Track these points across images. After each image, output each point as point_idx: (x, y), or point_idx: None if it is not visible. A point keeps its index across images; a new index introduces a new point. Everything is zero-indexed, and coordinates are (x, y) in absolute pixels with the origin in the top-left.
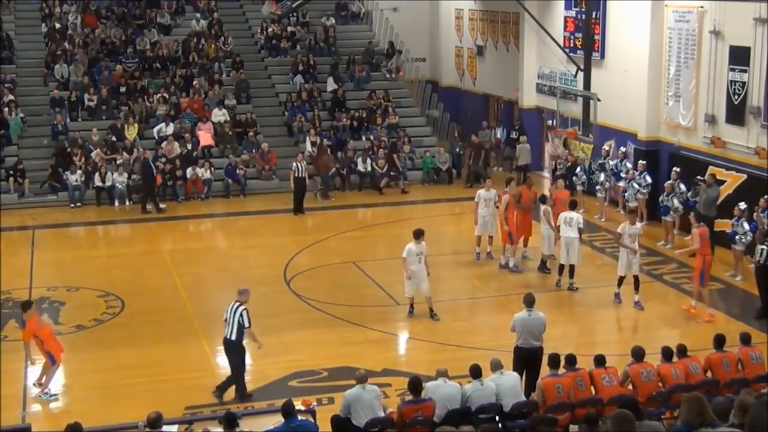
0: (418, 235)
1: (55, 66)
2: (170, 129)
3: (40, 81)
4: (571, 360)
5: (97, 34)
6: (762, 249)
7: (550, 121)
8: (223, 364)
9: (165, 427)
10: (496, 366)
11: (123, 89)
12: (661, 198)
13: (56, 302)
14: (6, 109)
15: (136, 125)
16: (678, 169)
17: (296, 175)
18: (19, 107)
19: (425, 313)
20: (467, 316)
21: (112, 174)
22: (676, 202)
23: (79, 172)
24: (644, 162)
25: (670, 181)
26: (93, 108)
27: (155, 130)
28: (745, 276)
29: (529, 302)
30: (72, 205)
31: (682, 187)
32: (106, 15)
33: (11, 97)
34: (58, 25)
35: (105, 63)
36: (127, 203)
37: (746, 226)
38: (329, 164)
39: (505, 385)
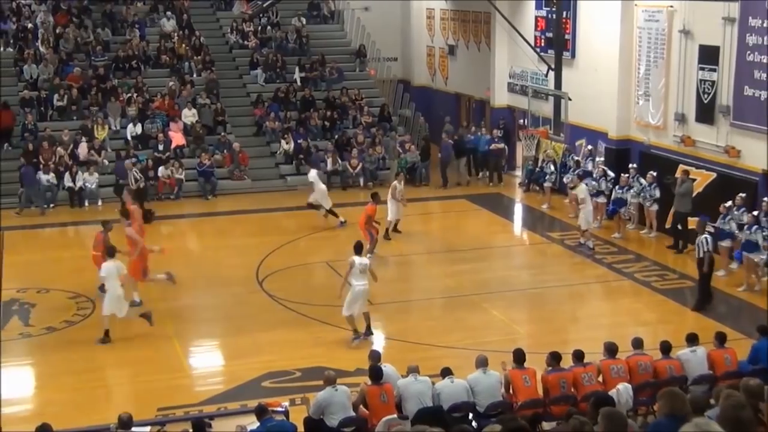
0: (359, 249)
1: (23, 66)
2: (139, 129)
3: (10, 81)
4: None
5: (68, 33)
6: (703, 240)
7: (521, 120)
8: (195, 365)
9: (137, 429)
10: (481, 363)
11: (93, 89)
12: (614, 192)
13: (27, 304)
14: None
15: (106, 126)
16: (635, 165)
17: None
18: None
19: (398, 311)
20: (440, 315)
21: (83, 174)
22: (629, 196)
23: (51, 174)
24: (654, 173)
25: (627, 176)
26: (63, 108)
27: (127, 130)
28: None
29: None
30: (44, 206)
31: (642, 181)
32: (78, 14)
33: None
34: (29, 25)
35: (76, 62)
36: (99, 203)
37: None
38: None
39: (484, 383)
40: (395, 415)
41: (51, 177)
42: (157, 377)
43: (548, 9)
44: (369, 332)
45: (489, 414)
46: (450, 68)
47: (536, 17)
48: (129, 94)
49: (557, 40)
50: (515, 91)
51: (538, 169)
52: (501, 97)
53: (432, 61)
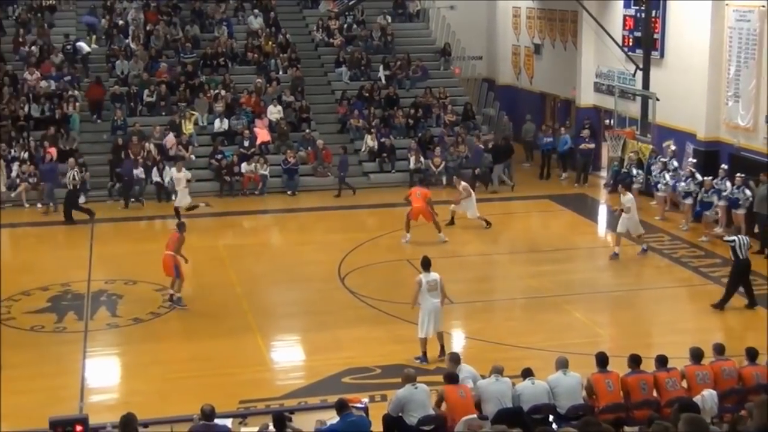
0: (427, 264)
1: (115, 62)
2: (225, 125)
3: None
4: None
5: (158, 30)
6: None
7: (607, 121)
8: (277, 359)
9: (219, 421)
10: (562, 365)
11: (182, 85)
12: (701, 194)
13: (114, 295)
14: (66, 104)
15: (193, 121)
16: (726, 167)
17: None
18: (78, 103)
19: (479, 311)
20: (521, 316)
21: (170, 169)
22: (716, 198)
23: (140, 168)
24: (743, 175)
25: (712, 178)
26: (152, 103)
27: (213, 125)
28: None
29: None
30: (132, 199)
31: (727, 184)
32: (168, 11)
33: (73, 92)
34: (121, 22)
35: (165, 59)
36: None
37: None
38: None
39: (565, 385)
40: (475, 415)
41: (140, 171)
42: (240, 370)
43: (637, 8)
44: (442, 353)
45: (569, 417)
46: (535, 67)
47: (624, 16)
48: (216, 91)
49: (646, 39)
50: (602, 90)
51: (624, 170)
52: (587, 97)
53: (517, 60)
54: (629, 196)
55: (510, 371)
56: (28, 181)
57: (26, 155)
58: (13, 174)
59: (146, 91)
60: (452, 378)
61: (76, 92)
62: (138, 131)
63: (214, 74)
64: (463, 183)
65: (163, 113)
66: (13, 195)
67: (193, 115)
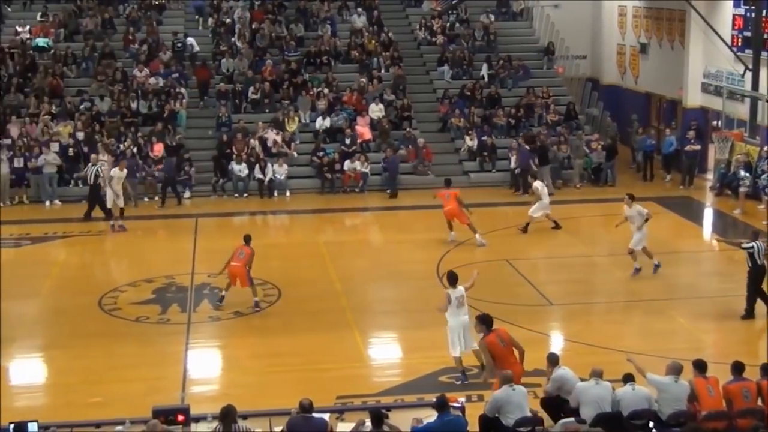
0: (453, 279)
1: (221, 60)
2: (327, 123)
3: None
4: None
5: (263, 29)
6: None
7: (715, 122)
8: (374, 356)
9: (316, 415)
10: (675, 371)
11: (285, 83)
12: None
13: (216, 289)
14: (174, 101)
15: (296, 118)
16: None
17: None
18: (185, 100)
19: (579, 313)
20: (622, 319)
21: (273, 166)
22: None
23: (243, 164)
24: None
25: None
26: (256, 101)
27: (316, 123)
28: None
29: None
30: (236, 195)
31: None
32: (273, 10)
33: (180, 89)
34: (228, 20)
35: (269, 57)
36: (288, 194)
37: None
38: None
39: (673, 392)
40: (572, 419)
41: (243, 167)
42: (338, 366)
43: (747, 7)
44: (482, 368)
45: (671, 423)
46: (641, 67)
47: (734, 15)
48: (319, 89)
49: (756, 39)
50: (709, 91)
51: (731, 173)
52: (694, 98)
53: (622, 60)
54: (638, 207)
55: (609, 375)
56: (136, 176)
57: (134, 150)
58: None
59: (251, 89)
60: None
61: (183, 89)
62: (242, 128)
63: (317, 72)
64: (535, 183)
65: (267, 110)
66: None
67: (296, 115)
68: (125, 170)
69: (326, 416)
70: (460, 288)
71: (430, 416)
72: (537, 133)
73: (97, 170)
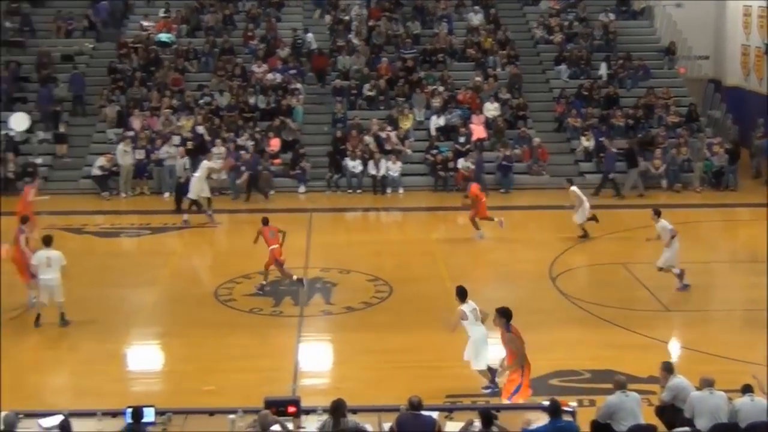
0: (463, 294)
1: (338, 57)
2: (441, 121)
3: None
4: None
5: (380, 26)
6: None
7: None
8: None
9: (426, 413)
10: None
11: (401, 81)
12: None
13: (329, 283)
14: (291, 96)
15: (411, 116)
16: None
17: None
18: (302, 96)
19: (696, 321)
20: (741, 328)
21: (387, 162)
22: None
23: (358, 160)
24: None
25: None
26: (372, 98)
27: (430, 121)
28: None
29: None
30: (350, 191)
31: None
32: (390, 7)
33: (297, 85)
34: (345, 18)
35: (385, 54)
36: (401, 191)
37: None
38: None
39: None
40: (687, 429)
41: (357, 163)
42: (448, 364)
43: None
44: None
45: None
46: (766, 68)
47: None
48: (434, 87)
49: None
50: None
51: None
52: None
53: (747, 61)
54: (663, 222)
55: (725, 385)
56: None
57: (251, 144)
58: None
59: (366, 86)
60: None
61: (300, 85)
62: (357, 125)
63: (432, 70)
64: (572, 188)
65: (382, 108)
66: (238, 182)
67: (410, 113)
68: (218, 162)
69: (435, 414)
70: (471, 302)
71: (540, 419)
72: (655, 134)
73: (184, 163)
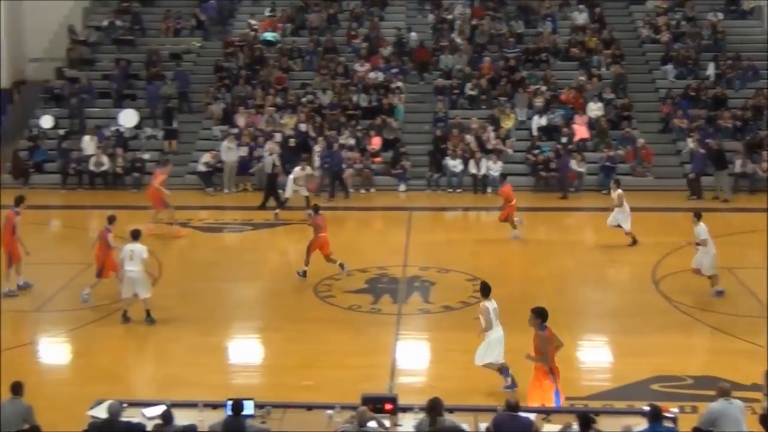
0: (487, 291)
1: (440, 56)
2: (544, 121)
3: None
4: None
5: (483, 25)
6: None
7: None
8: (584, 359)
9: (523, 414)
10: None
11: (503, 80)
12: None
13: (427, 282)
14: (392, 95)
15: (512, 116)
16: None
17: None
18: (404, 94)
19: None
20: None
21: (487, 162)
22: None
23: (458, 159)
24: None
25: None
26: (473, 97)
27: (532, 121)
28: None
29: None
30: (450, 190)
31: None
32: (493, 6)
33: (399, 84)
34: (449, 16)
35: (487, 53)
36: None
37: None
38: None
39: None
40: None
41: (458, 163)
42: None
43: None
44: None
45: None
46: None
47: None
48: (537, 86)
49: None
50: None
51: None
52: None
53: None
54: (702, 226)
55: None
56: (353, 168)
57: (353, 142)
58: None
59: (468, 85)
60: None
61: (401, 84)
62: (458, 124)
63: (535, 69)
64: (618, 191)
65: (484, 107)
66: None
67: (512, 112)
68: (307, 169)
69: (532, 416)
70: (494, 300)
71: (639, 424)
72: (763, 136)
73: (274, 160)
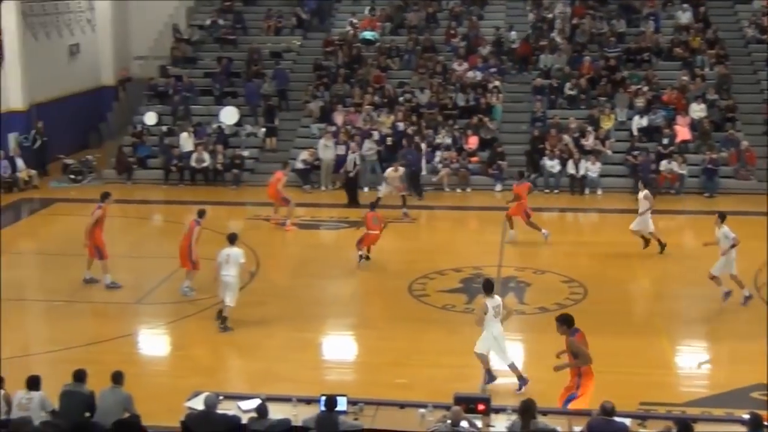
0: (490, 288)
1: (539, 56)
2: (644, 121)
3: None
4: None
5: (584, 24)
6: None
7: None
8: (682, 364)
9: (618, 419)
10: None
11: (603, 80)
12: None
13: (523, 283)
14: (490, 95)
15: (612, 116)
16: None
17: None
18: (502, 94)
19: None
20: None
21: (586, 163)
22: None
23: (556, 160)
24: None
25: None
26: (572, 97)
27: (632, 121)
28: None
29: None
30: (547, 190)
31: None
32: (595, 5)
33: (496, 83)
34: (549, 15)
35: (588, 53)
36: (599, 192)
37: None
38: None
39: None
40: None
41: (555, 163)
42: (643, 371)
43: None
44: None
45: None
46: None
47: None
48: (638, 86)
49: None
50: None
51: None
52: None
53: None
54: (725, 228)
55: None
56: (449, 167)
57: (449, 142)
58: (436, 159)
59: (567, 85)
60: None
61: (499, 83)
62: (557, 124)
63: (636, 69)
64: (644, 191)
65: (583, 107)
66: (434, 179)
67: (612, 113)
68: (399, 170)
69: (627, 421)
70: (498, 297)
71: None
72: None
73: (356, 158)
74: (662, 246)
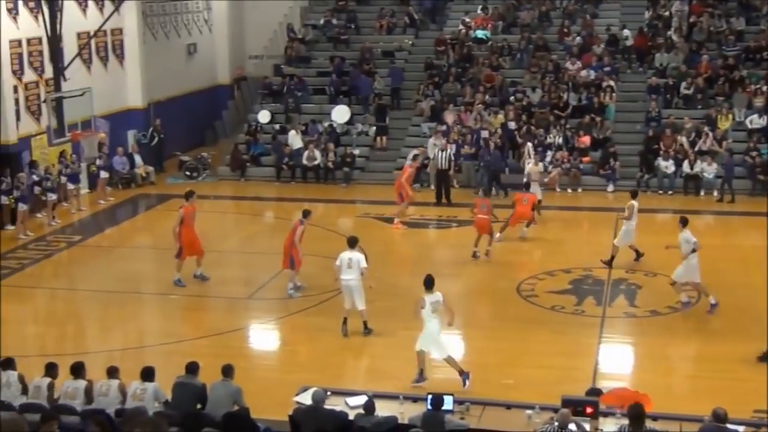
0: (430, 284)
1: (655, 54)
2: (764, 121)
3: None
4: None
5: (701, 22)
6: None
7: None
8: None
9: (731, 426)
10: None
11: (721, 79)
12: None
13: (634, 285)
14: (604, 94)
15: (730, 116)
16: None
17: None
18: (615, 93)
19: None
20: None
21: (702, 163)
22: None
23: (671, 160)
24: None
25: None
26: (689, 96)
27: (748, 121)
28: None
29: None
30: (660, 191)
31: None
32: (713, 3)
33: (610, 83)
34: (666, 13)
35: (705, 52)
36: (715, 194)
37: None
38: None
39: None
40: None
41: (670, 164)
42: (756, 377)
43: None
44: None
45: None
46: None
47: None
48: (757, 86)
49: None
50: None
51: None
52: None
53: None
54: (686, 233)
55: None
56: (561, 167)
57: (561, 141)
58: (547, 159)
59: (683, 84)
60: None
61: (612, 83)
62: (672, 124)
63: (756, 68)
64: (631, 201)
65: (699, 107)
66: (546, 180)
67: (730, 113)
68: (539, 165)
69: (741, 429)
70: (438, 294)
71: None
72: None
73: (450, 155)
74: (639, 255)
